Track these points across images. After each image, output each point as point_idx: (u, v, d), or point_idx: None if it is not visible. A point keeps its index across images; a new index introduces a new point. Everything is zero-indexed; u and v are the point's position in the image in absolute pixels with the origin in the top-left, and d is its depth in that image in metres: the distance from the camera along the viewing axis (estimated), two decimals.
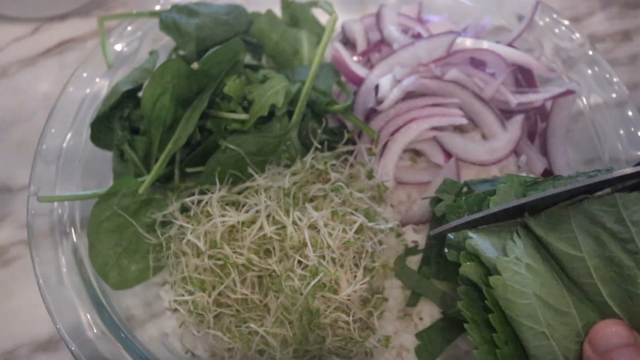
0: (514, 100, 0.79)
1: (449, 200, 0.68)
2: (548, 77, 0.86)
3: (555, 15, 0.90)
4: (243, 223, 0.67)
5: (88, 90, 0.83)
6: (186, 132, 0.72)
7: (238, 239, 0.67)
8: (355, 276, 0.65)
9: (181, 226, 0.70)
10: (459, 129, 0.82)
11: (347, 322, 0.64)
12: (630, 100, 0.80)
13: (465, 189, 0.69)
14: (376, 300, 0.67)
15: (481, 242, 0.55)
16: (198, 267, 0.67)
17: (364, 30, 0.91)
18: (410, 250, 0.73)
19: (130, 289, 0.74)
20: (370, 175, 0.75)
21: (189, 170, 0.76)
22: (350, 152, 0.77)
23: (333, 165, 0.74)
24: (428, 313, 0.71)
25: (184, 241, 0.69)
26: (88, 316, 0.67)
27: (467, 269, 0.55)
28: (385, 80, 0.80)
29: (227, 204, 0.71)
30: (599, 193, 0.56)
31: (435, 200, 0.69)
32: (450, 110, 0.78)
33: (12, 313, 0.82)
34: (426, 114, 0.78)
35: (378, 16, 0.90)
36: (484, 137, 0.81)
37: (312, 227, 0.66)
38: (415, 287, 0.70)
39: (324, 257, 0.64)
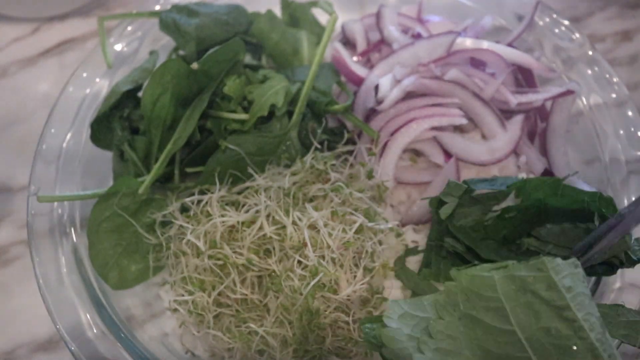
0: (514, 100, 0.79)
1: (453, 202, 0.67)
2: (548, 77, 0.86)
3: (555, 16, 0.90)
4: (243, 223, 0.67)
5: (88, 90, 0.83)
6: (186, 132, 0.72)
7: (238, 239, 0.67)
8: (355, 276, 0.65)
9: (181, 226, 0.70)
10: (459, 129, 0.82)
11: (347, 322, 0.64)
12: (630, 101, 0.80)
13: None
14: (376, 301, 0.67)
15: (397, 332, 0.51)
16: (198, 267, 0.67)
17: (364, 30, 0.91)
18: (410, 251, 0.73)
19: (130, 289, 0.74)
20: (370, 175, 0.75)
21: (189, 170, 0.76)
22: (350, 152, 0.77)
23: (333, 165, 0.74)
24: None
25: (184, 241, 0.69)
26: (88, 316, 0.67)
27: None
28: (385, 80, 0.80)
29: (227, 204, 0.71)
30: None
31: (436, 201, 0.69)
32: (450, 110, 0.78)
33: (12, 313, 0.82)
34: (426, 114, 0.78)
35: (378, 16, 0.90)
36: (484, 137, 0.81)
37: (312, 227, 0.66)
38: (415, 287, 0.70)
39: (323, 257, 0.64)
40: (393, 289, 0.71)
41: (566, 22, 0.89)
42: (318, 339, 0.66)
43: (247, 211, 0.68)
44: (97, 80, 0.84)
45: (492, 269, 0.51)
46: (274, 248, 0.66)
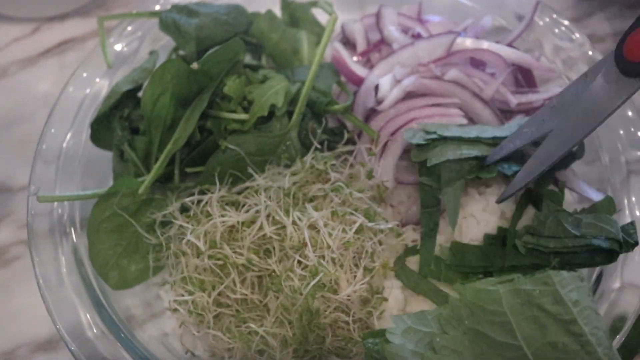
0: (514, 100, 0.79)
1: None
2: (548, 77, 0.86)
3: (555, 15, 0.90)
4: (243, 223, 0.67)
5: (88, 90, 0.83)
6: (186, 132, 0.72)
7: (238, 239, 0.67)
8: (355, 276, 0.65)
9: (181, 226, 0.70)
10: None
11: (347, 322, 0.64)
12: (630, 101, 0.80)
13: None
14: (376, 300, 0.67)
15: (400, 348, 0.51)
16: (198, 267, 0.67)
17: (364, 30, 0.91)
18: (410, 250, 0.73)
19: (130, 289, 0.74)
20: (370, 175, 0.75)
21: (189, 170, 0.76)
22: (350, 152, 0.77)
23: (333, 165, 0.73)
24: None
25: (184, 241, 0.69)
26: (88, 316, 0.67)
27: None
28: (385, 80, 0.80)
29: (227, 204, 0.71)
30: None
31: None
32: (450, 111, 0.78)
33: (12, 313, 0.82)
34: (426, 114, 0.78)
35: (378, 16, 0.90)
36: None
37: (312, 227, 0.66)
38: (415, 287, 0.70)
39: (323, 257, 0.64)
40: (393, 288, 0.71)
41: (566, 22, 0.89)
42: (318, 339, 0.66)
43: (247, 211, 0.68)
44: (97, 80, 0.84)
45: (498, 283, 0.51)
46: (274, 248, 0.66)
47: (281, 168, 0.74)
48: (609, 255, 0.65)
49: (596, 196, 0.75)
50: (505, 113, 0.81)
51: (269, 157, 0.74)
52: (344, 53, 0.86)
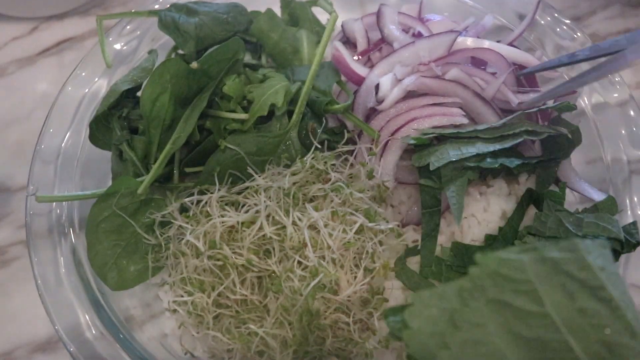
0: (515, 99, 0.79)
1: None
2: (549, 77, 0.86)
3: (556, 15, 0.89)
4: (243, 223, 0.67)
5: (87, 90, 0.83)
6: (185, 131, 0.71)
7: (237, 239, 0.66)
8: (355, 277, 0.65)
9: (180, 226, 0.70)
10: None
11: (347, 323, 0.64)
12: (632, 100, 0.80)
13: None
14: (376, 301, 0.67)
15: (419, 329, 0.49)
16: (197, 268, 0.67)
17: (364, 30, 0.91)
18: (410, 251, 0.73)
19: (129, 289, 0.74)
20: (370, 175, 0.75)
21: (188, 170, 0.76)
22: (351, 152, 0.77)
23: (333, 165, 0.73)
24: None
25: (183, 241, 0.68)
26: (87, 317, 0.67)
27: None
28: (386, 80, 0.79)
29: (226, 204, 0.70)
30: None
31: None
32: (451, 110, 0.78)
33: (11, 314, 0.82)
34: (427, 113, 0.78)
35: (378, 15, 0.90)
36: None
37: (312, 227, 0.66)
38: (416, 288, 0.70)
39: (324, 258, 0.64)
40: (394, 289, 0.71)
41: (567, 21, 0.88)
42: (318, 340, 0.65)
43: (246, 211, 0.68)
44: (96, 79, 0.84)
45: (521, 252, 0.50)
46: (273, 248, 0.65)
47: (281, 168, 0.74)
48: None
49: (597, 196, 0.75)
50: (506, 112, 0.80)
51: (269, 157, 0.74)
52: (344, 52, 0.86)
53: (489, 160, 0.70)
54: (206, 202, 0.71)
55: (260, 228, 0.66)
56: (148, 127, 0.73)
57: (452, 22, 0.91)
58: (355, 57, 0.89)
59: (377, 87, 0.80)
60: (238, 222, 0.67)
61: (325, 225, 0.65)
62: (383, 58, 0.84)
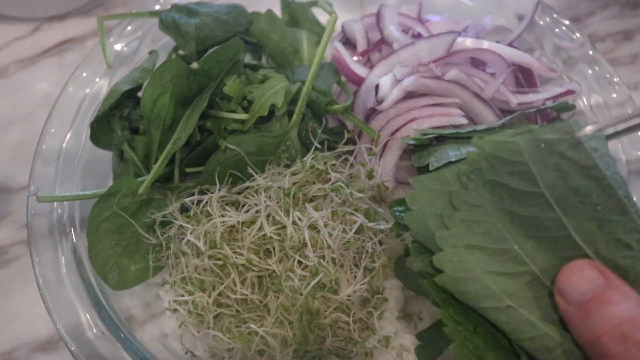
0: (515, 100, 0.79)
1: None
2: (548, 77, 0.86)
3: (555, 15, 0.89)
4: (243, 223, 0.67)
5: (88, 90, 0.83)
6: (186, 132, 0.72)
7: (238, 239, 0.67)
8: (355, 276, 0.65)
9: (181, 226, 0.70)
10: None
11: (347, 323, 0.64)
12: (631, 100, 0.80)
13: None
14: (376, 301, 0.67)
15: (420, 211, 0.51)
16: (198, 268, 0.67)
17: (364, 30, 0.91)
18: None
19: (130, 289, 0.74)
20: (370, 175, 0.75)
21: (188, 170, 0.76)
22: (351, 152, 0.77)
23: (333, 165, 0.73)
24: (428, 313, 0.71)
25: (184, 241, 0.68)
26: (88, 316, 0.67)
27: (418, 264, 0.52)
28: (386, 80, 0.80)
29: (227, 204, 0.71)
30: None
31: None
32: (450, 110, 0.78)
33: (12, 313, 0.82)
34: (426, 113, 0.78)
35: (378, 16, 0.90)
36: None
37: (312, 227, 0.66)
38: (416, 287, 0.70)
39: (324, 258, 0.64)
40: (393, 289, 0.71)
41: (567, 22, 0.89)
42: (318, 339, 0.66)
43: (247, 211, 0.68)
44: (97, 80, 0.84)
45: (516, 134, 0.50)
46: (274, 248, 0.66)
47: (281, 168, 0.74)
48: None
49: None
50: (505, 113, 0.81)
51: (269, 157, 0.74)
52: (344, 53, 0.86)
53: None
54: (207, 202, 0.71)
55: (261, 228, 0.66)
56: (149, 127, 0.73)
57: (452, 23, 0.92)
58: (355, 58, 0.89)
59: (376, 87, 0.80)
60: (238, 222, 0.67)
61: (325, 225, 0.65)
62: (383, 58, 0.84)
